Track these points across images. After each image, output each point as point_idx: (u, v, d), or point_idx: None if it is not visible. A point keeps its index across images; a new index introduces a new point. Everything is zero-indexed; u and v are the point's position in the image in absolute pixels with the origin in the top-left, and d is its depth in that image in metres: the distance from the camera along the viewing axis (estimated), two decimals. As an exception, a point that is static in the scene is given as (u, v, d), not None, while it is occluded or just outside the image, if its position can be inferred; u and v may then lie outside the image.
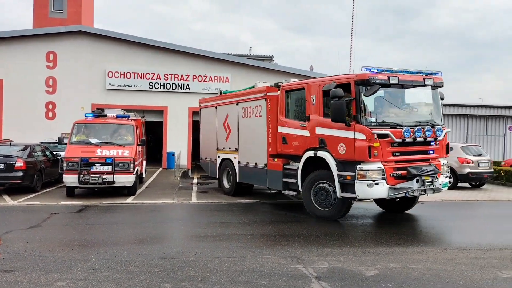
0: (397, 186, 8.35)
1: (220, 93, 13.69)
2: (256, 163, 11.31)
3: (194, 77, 20.85)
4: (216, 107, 13.25)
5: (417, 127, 8.50)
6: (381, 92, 8.55)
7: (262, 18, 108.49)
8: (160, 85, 20.76)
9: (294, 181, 9.92)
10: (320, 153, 9.13)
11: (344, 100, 8.33)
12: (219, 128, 13.01)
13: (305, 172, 9.56)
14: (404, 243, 7.42)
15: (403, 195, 8.52)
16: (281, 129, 10.32)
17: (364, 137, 8.27)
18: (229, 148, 12.56)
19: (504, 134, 24.97)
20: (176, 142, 20.85)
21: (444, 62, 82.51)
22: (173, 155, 19.54)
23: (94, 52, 20.39)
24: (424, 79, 8.86)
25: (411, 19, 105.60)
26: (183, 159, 20.49)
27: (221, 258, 6.29)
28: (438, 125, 9.04)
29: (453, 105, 24.26)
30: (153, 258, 6.22)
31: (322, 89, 9.09)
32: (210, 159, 13.79)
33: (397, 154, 8.47)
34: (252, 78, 19.27)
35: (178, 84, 20.82)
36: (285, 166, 10.31)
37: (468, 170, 15.23)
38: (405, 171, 8.38)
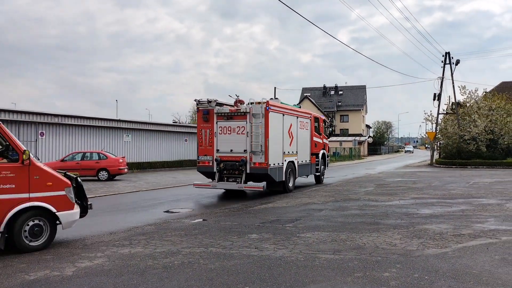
0: None
1: (281, 102, 16.98)
2: (305, 161, 18.55)
3: None
4: (283, 115, 16.08)
5: None
6: None
7: None
8: None
9: (318, 167, 20.24)
10: (325, 152, 21.27)
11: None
12: (285, 134, 16.20)
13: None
14: None
15: None
16: (314, 138, 19.69)
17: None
18: (292, 152, 16.94)
19: (36, 139, 26.16)
20: None
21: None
22: None
23: None
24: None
25: None
26: None
27: None
28: None
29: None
30: None
31: (323, 120, 21.81)
32: (278, 163, 15.63)
33: None
34: None
35: None
36: (315, 160, 19.91)
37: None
38: None
